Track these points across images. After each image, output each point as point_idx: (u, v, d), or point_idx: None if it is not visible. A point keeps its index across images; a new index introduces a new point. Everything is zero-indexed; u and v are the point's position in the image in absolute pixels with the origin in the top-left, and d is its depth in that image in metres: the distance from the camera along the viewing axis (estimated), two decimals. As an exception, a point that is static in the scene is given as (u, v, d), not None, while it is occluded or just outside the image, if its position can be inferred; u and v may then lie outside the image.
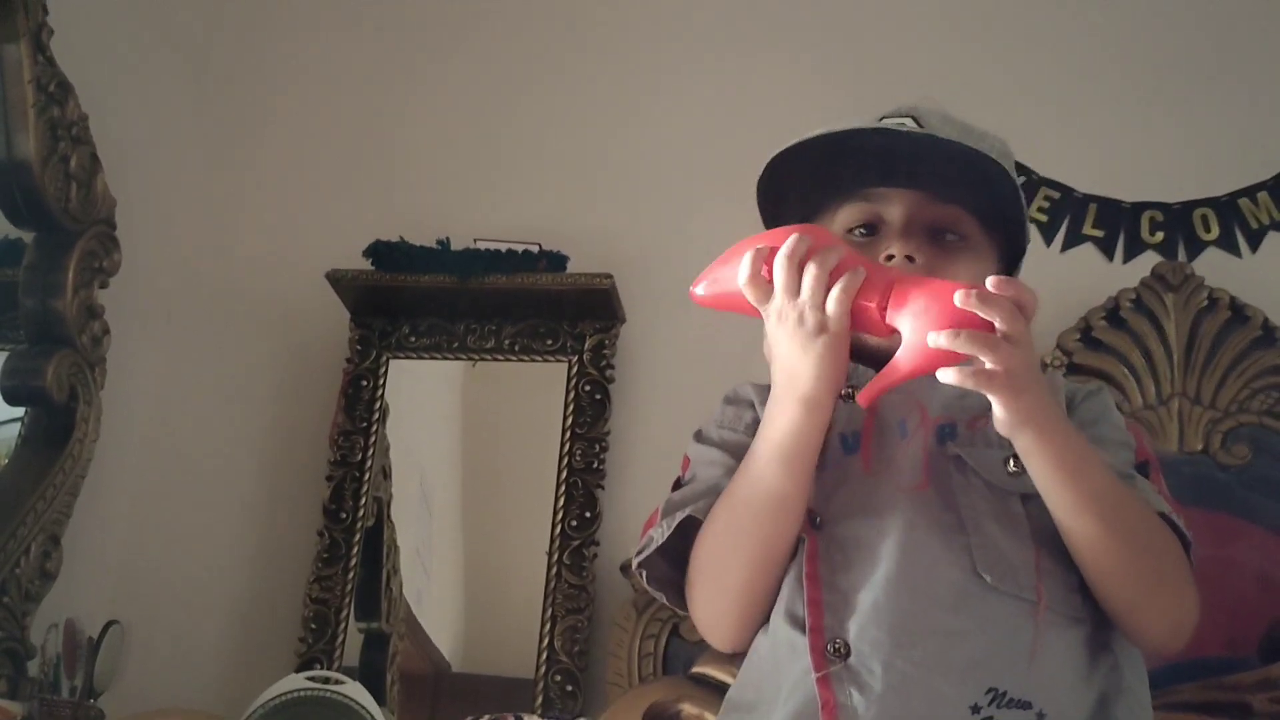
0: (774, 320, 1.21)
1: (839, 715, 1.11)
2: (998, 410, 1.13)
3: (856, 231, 1.38)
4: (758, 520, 1.24)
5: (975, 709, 1.11)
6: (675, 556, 1.33)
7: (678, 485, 1.39)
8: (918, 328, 1.12)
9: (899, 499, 1.20)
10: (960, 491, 1.20)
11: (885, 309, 1.16)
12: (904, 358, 1.14)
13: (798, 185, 1.41)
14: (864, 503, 1.22)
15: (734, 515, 1.27)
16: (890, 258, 1.32)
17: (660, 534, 1.32)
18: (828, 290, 1.16)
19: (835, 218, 1.40)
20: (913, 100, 1.40)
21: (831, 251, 1.18)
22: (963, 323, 1.10)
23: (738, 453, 1.34)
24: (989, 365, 1.09)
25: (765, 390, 1.39)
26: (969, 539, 1.18)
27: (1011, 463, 1.22)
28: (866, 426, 1.28)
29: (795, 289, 1.18)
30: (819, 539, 1.22)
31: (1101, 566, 1.18)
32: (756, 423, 1.36)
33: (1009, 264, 1.43)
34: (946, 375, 1.10)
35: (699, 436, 1.41)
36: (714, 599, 1.29)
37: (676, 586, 1.33)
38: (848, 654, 1.13)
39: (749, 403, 1.41)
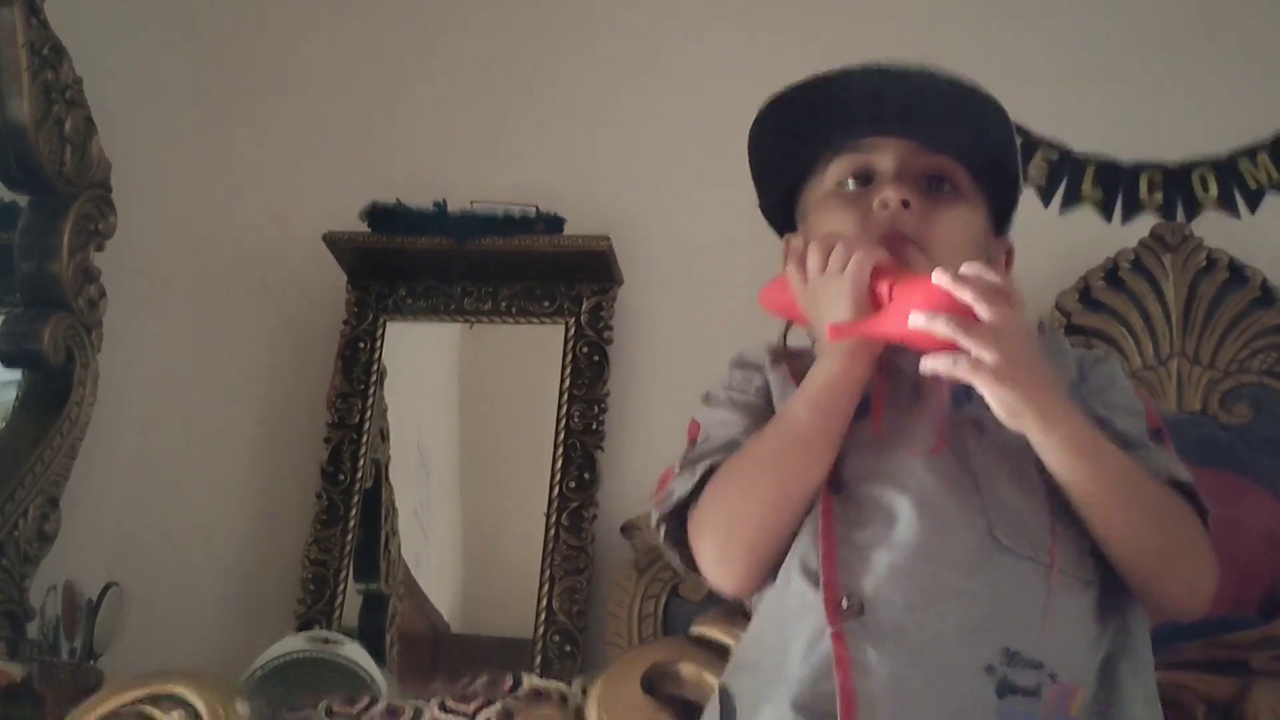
0: (812, 294, 1.29)
1: (854, 670, 1.11)
2: (989, 401, 1.14)
3: (849, 183, 1.38)
4: (786, 455, 1.25)
5: (990, 669, 1.11)
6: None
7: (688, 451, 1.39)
8: (908, 301, 1.18)
9: (914, 462, 1.20)
10: (976, 454, 1.21)
11: (892, 288, 1.23)
12: (887, 321, 1.20)
13: (789, 142, 1.41)
14: (878, 466, 1.22)
15: (761, 450, 1.28)
16: (885, 204, 1.33)
17: (683, 485, 1.33)
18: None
19: (827, 172, 1.40)
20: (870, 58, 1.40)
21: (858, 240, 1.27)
22: (946, 306, 1.13)
23: (751, 413, 1.35)
24: (974, 355, 1.11)
25: (776, 350, 1.39)
26: (984, 500, 1.18)
27: None
28: (876, 391, 1.28)
29: (824, 265, 1.28)
30: (835, 498, 1.22)
31: (1119, 543, 1.19)
32: (767, 387, 1.37)
33: (1000, 219, 1.43)
34: (929, 365, 1.13)
35: (708, 400, 1.41)
36: (726, 537, 1.28)
37: (689, 547, 1.33)
38: (861, 611, 1.13)
39: (757, 366, 1.41)
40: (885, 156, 1.37)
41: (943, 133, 1.36)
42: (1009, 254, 1.46)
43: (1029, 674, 1.12)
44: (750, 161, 1.45)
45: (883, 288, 1.23)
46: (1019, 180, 1.43)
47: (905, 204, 1.33)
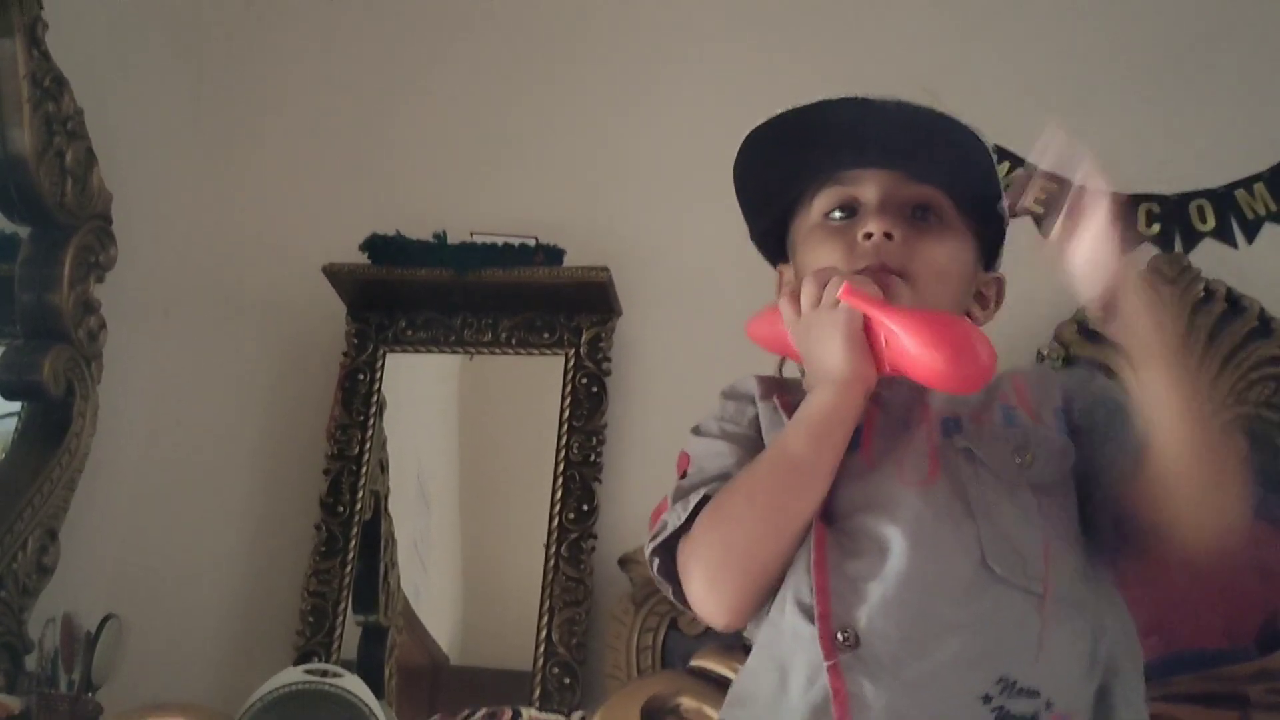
0: (804, 328, 1.30)
1: (851, 704, 1.11)
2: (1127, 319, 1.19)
3: (834, 215, 1.38)
4: (779, 487, 1.26)
5: (986, 699, 1.11)
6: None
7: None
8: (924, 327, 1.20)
9: (906, 492, 1.20)
10: (970, 482, 1.21)
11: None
12: (897, 320, 1.22)
13: (775, 173, 1.41)
14: (870, 496, 1.22)
15: (754, 481, 1.28)
16: (869, 236, 1.33)
17: (676, 518, 1.32)
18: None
19: (813, 205, 1.41)
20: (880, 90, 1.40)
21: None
22: (943, 339, 1.18)
23: (743, 444, 1.35)
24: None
25: (767, 383, 1.39)
26: (978, 529, 1.18)
27: (1018, 455, 1.23)
28: (868, 422, 1.28)
29: (818, 299, 1.28)
30: (827, 529, 1.22)
31: (1180, 459, 1.19)
32: (758, 418, 1.37)
33: (990, 255, 1.44)
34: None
35: (698, 431, 1.41)
36: (717, 568, 1.27)
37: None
38: (857, 643, 1.13)
39: (750, 397, 1.41)
40: (868, 188, 1.37)
41: (925, 163, 1.36)
42: (999, 287, 1.46)
43: (1026, 702, 1.12)
44: (737, 192, 1.45)
45: (877, 322, 1.23)
46: (1004, 213, 1.43)
47: (888, 235, 1.33)
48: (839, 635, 1.14)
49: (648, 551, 1.36)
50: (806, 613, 1.17)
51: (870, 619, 1.14)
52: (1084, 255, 1.19)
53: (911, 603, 1.14)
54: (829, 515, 1.23)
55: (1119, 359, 1.21)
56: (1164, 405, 1.18)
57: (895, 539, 1.18)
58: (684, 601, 1.32)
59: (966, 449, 1.23)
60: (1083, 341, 2.54)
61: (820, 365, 1.28)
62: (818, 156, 1.39)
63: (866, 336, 1.25)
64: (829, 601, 1.16)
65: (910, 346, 1.19)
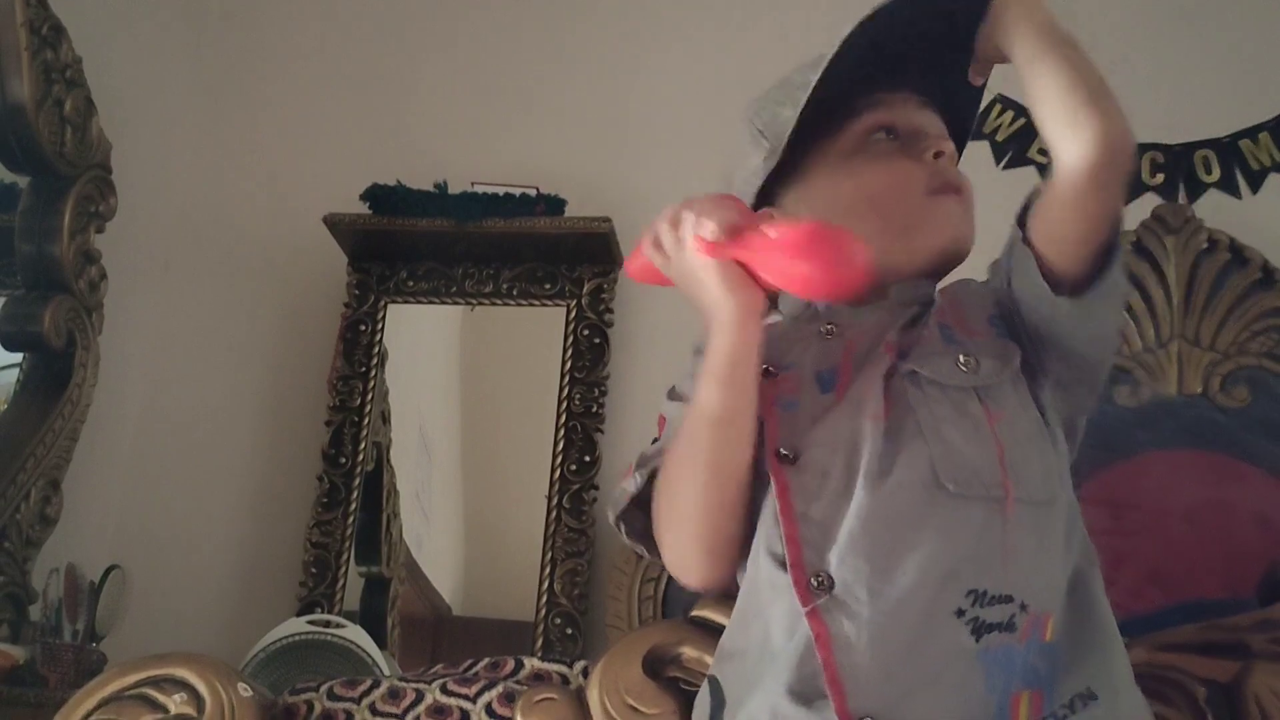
0: (676, 272, 1.29)
1: (834, 645, 1.11)
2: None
3: (879, 135, 1.39)
4: (704, 438, 1.25)
5: (960, 613, 1.12)
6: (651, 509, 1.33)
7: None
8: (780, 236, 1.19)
9: (865, 426, 1.20)
10: (919, 404, 1.21)
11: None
12: (764, 253, 1.20)
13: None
14: (834, 435, 1.21)
15: (681, 443, 1.28)
16: (938, 155, 1.36)
17: (633, 484, 1.33)
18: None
19: (844, 127, 1.40)
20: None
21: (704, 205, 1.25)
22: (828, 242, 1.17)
23: None
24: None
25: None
26: (929, 450, 1.18)
27: (962, 359, 1.23)
28: (842, 365, 1.28)
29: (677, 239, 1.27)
30: (789, 474, 1.21)
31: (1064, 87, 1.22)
32: None
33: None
34: None
35: (671, 393, 1.40)
36: (674, 530, 1.29)
37: (654, 539, 1.34)
38: (832, 586, 1.14)
39: None
40: (911, 113, 1.39)
41: (933, 84, 1.39)
42: None
43: (1000, 609, 1.12)
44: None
45: (744, 247, 1.22)
46: (968, 130, 1.47)
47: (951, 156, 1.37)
48: (813, 580, 1.14)
49: (611, 519, 1.37)
50: (780, 562, 1.17)
51: (841, 559, 1.14)
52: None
53: (876, 534, 1.14)
54: (795, 457, 1.23)
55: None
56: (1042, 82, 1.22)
57: (856, 474, 1.18)
58: (659, 557, 1.34)
59: (912, 371, 1.23)
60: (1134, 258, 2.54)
61: (704, 306, 1.27)
62: (855, 72, 1.39)
63: (738, 262, 1.24)
64: (800, 549, 1.16)
65: (778, 264, 1.18)
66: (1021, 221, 1.24)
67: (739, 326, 1.24)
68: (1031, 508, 1.18)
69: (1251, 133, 2.70)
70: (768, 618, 1.19)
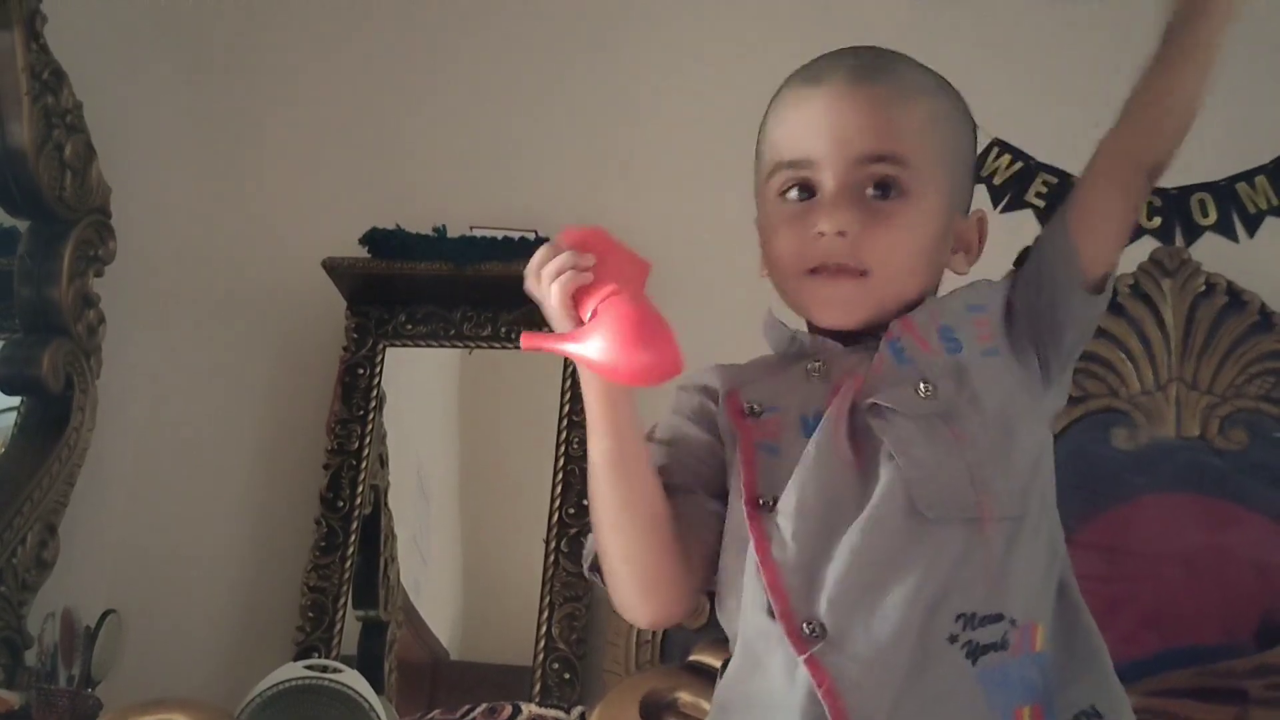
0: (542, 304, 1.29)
1: (838, 689, 1.11)
2: None
3: (790, 194, 1.36)
4: (602, 489, 1.27)
5: (953, 639, 1.12)
6: None
7: None
8: (601, 323, 1.20)
9: (837, 465, 1.20)
10: (884, 433, 1.20)
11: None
12: (578, 340, 1.22)
13: None
14: (813, 479, 1.21)
15: (591, 495, 1.30)
16: (821, 235, 1.31)
17: (591, 540, 1.35)
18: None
19: (772, 178, 1.39)
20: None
21: (565, 259, 1.26)
22: (637, 322, 1.17)
23: (673, 442, 1.35)
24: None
25: (728, 370, 1.39)
26: (904, 474, 1.17)
27: (922, 386, 1.22)
28: (829, 407, 1.26)
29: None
30: (765, 522, 1.21)
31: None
32: (702, 408, 1.37)
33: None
34: None
35: (649, 435, 1.39)
36: (609, 575, 1.31)
37: None
38: (824, 632, 1.13)
39: (700, 386, 1.40)
40: (825, 171, 1.32)
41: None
42: (981, 227, 1.42)
43: (991, 629, 1.13)
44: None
45: (584, 308, 1.23)
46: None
47: (842, 233, 1.28)
48: (804, 628, 1.14)
49: (586, 571, 1.37)
50: (767, 610, 1.17)
51: (831, 602, 1.14)
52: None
53: (862, 572, 1.14)
54: (772, 504, 1.22)
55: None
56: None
57: (837, 515, 1.17)
58: None
59: (872, 404, 1.22)
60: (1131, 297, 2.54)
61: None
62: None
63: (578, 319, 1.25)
64: (786, 598, 1.16)
65: (589, 359, 1.20)
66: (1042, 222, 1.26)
67: (598, 395, 1.28)
68: (1008, 523, 1.18)
69: (1248, 176, 2.70)
70: (767, 667, 1.18)
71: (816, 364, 1.31)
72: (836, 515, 1.18)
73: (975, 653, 1.12)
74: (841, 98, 1.35)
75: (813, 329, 1.37)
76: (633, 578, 1.28)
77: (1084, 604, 1.22)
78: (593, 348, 1.18)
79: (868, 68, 1.39)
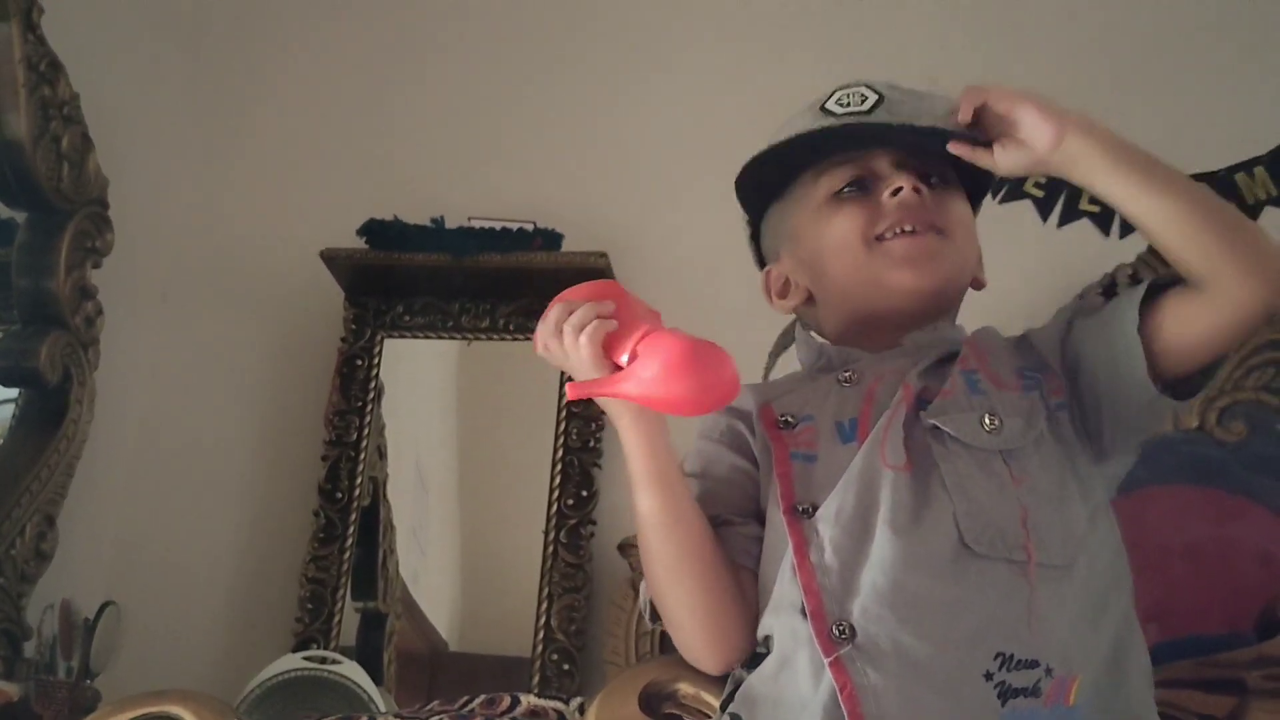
0: (562, 363, 1.26)
1: (860, 696, 1.10)
2: (1043, 146, 1.24)
3: (845, 190, 1.37)
4: (658, 548, 1.28)
5: (988, 676, 1.11)
6: None
7: None
8: (649, 358, 1.18)
9: (887, 476, 1.19)
10: (942, 460, 1.20)
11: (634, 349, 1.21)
12: (627, 381, 1.19)
13: (763, 167, 1.42)
14: (850, 481, 1.21)
15: (645, 554, 1.30)
16: (896, 192, 1.33)
17: (643, 596, 1.36)
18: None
19: (817, 185, 1.40)
20: (862, 77, 1.40)
21: (586, 311, 1.23)
22: (684, 356, 1.16)
23: (704, 473, 1.35)
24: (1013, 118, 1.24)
25: (757, 388, 1.38)
26: (954, 507, 1.17)
27: (987, 420, 1.22)
28: (863, 414, 1.27)
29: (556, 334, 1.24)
30: (804, 528, 1.21)
31: (1181, 229, 1.20)
32: (730, 429, 1.37)
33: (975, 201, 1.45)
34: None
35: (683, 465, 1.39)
36: (673, 631, 1.31)
37: None
38: (853, 635, 1.13)
39: (727, 408, 1.40)
40: (880, 160, 1.37)
41: (924, 142, 1.36)
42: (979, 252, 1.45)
43: (1026, 674, 1.12)
44: (741, 198, 1.47)
45: (620, 353, 1.21)
46: (991, 178, 1.43)
47: (916, 190, 1.33)
48: (834, 630, 1.14)
49: (648, 620, 1.38)
50: (800, 611, 1.17)
51: (864, 609, 1.14)
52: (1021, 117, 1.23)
53: (903, 586, 1.14)
54: (812, 511, 1.22)
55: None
56: (1156, 204, 1.21)
57: (879, 525, 1.17)
58: None
59: (934, 426, 1.22)
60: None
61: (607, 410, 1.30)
62: (812, 148, 1.38)
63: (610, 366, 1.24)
64: (820, 599, 1.16)
65: (641, 395, 1.19)
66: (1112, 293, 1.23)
67: (637, 423, 1.26)
68: (1053, 571, 1.17)
69: (1247, 166, 2.70)
70: (795, 667, 1.18)
71: (847, 373, 1.33)
72: (874, 519, 1.18)
73: (1006, 694, 1.11)
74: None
75: (837, 342, 1.39)
76: (699, 629, 1.29)
77: (1139, 673, 1.20)
78: (649, 385, 1.17)
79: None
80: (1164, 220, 1.20)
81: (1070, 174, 1.23)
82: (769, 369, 1.47)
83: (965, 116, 1.26)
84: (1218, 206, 1.22)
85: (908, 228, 1.33)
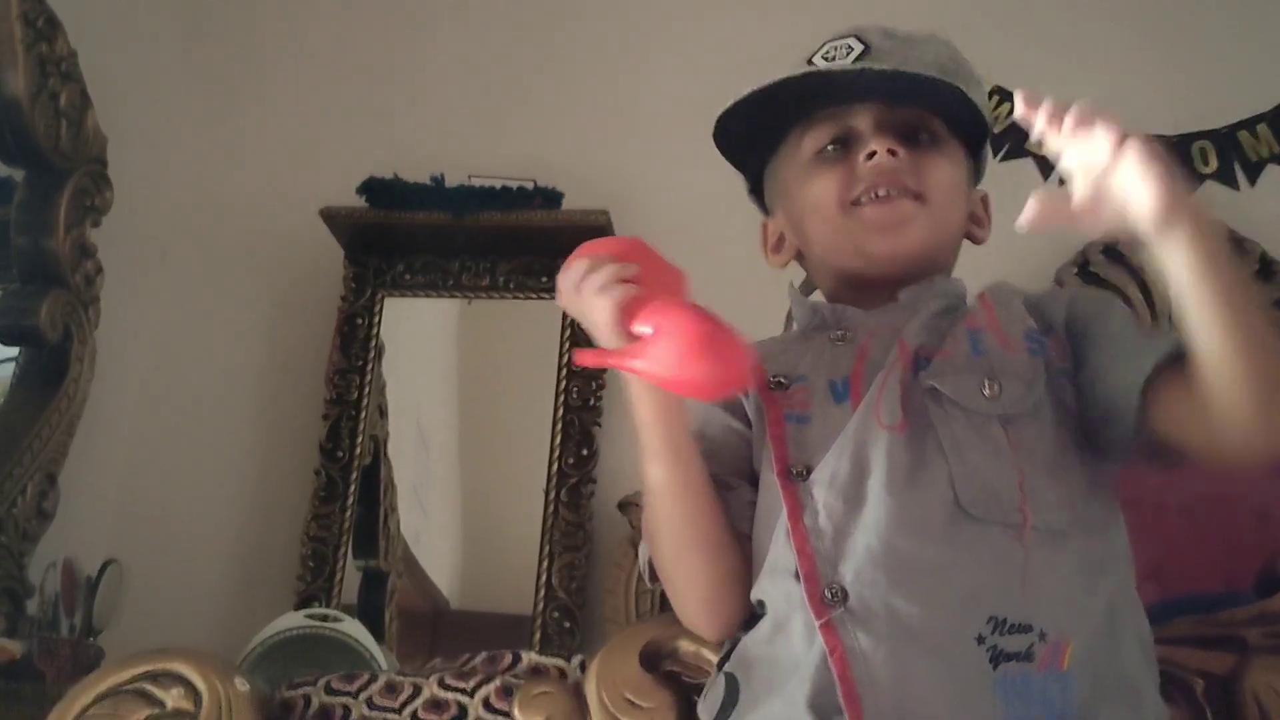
0: (577, 313, 1.24)
1: (850, 659, 1.10)
2: (1146, 198, 1.11)
3: (827, 150, 1.36)
4: (666, 518, 1.27)
5: (980, 639, 1.10)
6: None
7: None
8: (661, 344, 1.15)
9: (881, 437, 1.19)
10: (939, 423, 1.19)
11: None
12: (641, 354, 1.16)
13: (756, 124, 1.41)
14: (844, 441, 1.20)
15: (651, 524, 1.30)
16: (870, 155, 1.32)
17: (643, 549, 1.35)
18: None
19: (802, 144, 1.39)
20: (854, 22, 1.38)
21: (609, 272, 1.20)
22: (703, 335, 1.13)
23: (700, 435, 1.32)
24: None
25: (768, 343, 1.38)
26: (950, 469, 1.17)
27: (987, 384, 1.21)
28: (856, 372, 1.26)
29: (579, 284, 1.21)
30: (799, 491, 1.20)
31: (1235, 358, 1.09)
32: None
33: (976, 159, 1.43)
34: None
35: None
36: (675, 599, 1.32)
37: None
38: (845, 598, 1.13)
39: None
40: (861, 118, 1.35)
41: (908, 93, 1.34)
42: (987, 205, 1.44)
43: (1019, 639, 1.11)
44: (721, 150, 1.46)
45: (638, 321, 1.17)
46: (988, 128, 1.41)
47: (892, 153, 1.31)
48: (826, 593, 1.13)
49: (648, 580, 1.37)
50: (793, 574, 1.17)
51: (857, 572, 1.13)
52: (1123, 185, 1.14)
53: (895, 549, 1.13)
54: (807, 473, 1.22)
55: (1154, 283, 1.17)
56: (1217, 333, 1.08)
57: (872, 487, 1.17)
58: None
59: (932, 388, 1.21)
60: (1083, 283, 2.53)
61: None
62: (802, 100, 1.37)
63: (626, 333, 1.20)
64: (813, 562, 1.16)
65: (654, 373, 1.16)
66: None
67: (653, 417, 1.24)
68: (1049, 535, 1.16)
69: (1249, 124, 2.70)
70: (788, 630, 1.18)
71: (839, 332, 1.31)
72: (868, 480, 1.17)
73: (998, 658, 1.10)
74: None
75: (831, 298, 1.38)
76: (700, 599, 1.29)
77: (1135, 639, 1.19)
78: (660, 363, 1.14)
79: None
80: (1217, 350, 1.09)
81: (1153, 252, 1.12)
82: (787, 329, 1.46)
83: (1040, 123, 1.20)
84: (1275, 365, 1.10)
85: (881, 192, 1.31)
